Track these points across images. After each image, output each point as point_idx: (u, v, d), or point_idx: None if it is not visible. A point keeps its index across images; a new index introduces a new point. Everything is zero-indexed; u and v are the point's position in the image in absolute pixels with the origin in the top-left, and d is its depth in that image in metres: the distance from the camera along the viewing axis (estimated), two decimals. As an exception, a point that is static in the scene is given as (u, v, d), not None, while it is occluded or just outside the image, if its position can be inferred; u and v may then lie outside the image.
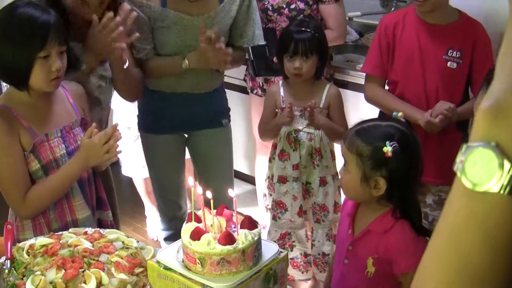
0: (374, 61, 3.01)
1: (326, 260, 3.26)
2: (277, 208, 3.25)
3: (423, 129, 2.77)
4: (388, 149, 1.94)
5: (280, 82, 3.20)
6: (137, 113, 3.25)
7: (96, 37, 2.44)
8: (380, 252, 1.98)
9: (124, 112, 3.91)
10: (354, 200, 2.11)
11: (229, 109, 3.27)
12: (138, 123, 3.25)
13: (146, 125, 3.19)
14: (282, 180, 3.21)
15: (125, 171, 4.28)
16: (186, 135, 3.22)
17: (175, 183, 3.27)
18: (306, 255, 3.33)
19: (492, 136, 0.61)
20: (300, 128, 3.13)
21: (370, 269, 2.00)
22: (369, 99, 3.06)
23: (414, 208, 2.01)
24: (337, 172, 3.26)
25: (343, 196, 2.85)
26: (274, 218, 3.28)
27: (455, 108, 2.75)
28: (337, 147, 3.33)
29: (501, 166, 0.59)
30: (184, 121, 3.09)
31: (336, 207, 3.23)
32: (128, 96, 2.88)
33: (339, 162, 3.33)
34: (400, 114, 2.20)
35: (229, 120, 3.25)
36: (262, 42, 3.13)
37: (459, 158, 0.62)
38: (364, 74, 3.14)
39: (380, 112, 3.05)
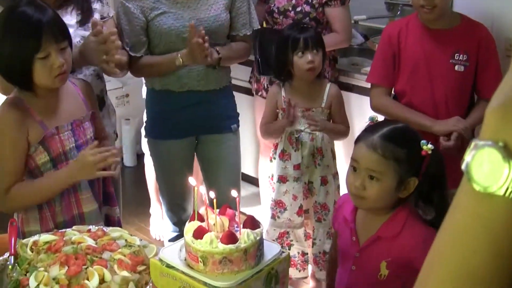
0: (379, 70, 3.01)
1: (327, 258, 3.27)
2: (277, 207, 3.29)
3: (432, 135, 2.76)
4: (429, 147, 1.92)
5: (280, 84, 3.23)
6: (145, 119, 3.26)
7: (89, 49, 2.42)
8: (394, 254, 1.95)
9: None
10: (376, 208, 2.00)
11: (238, 114, 3.26)
12: (146, 130, 3.24)
13: (154, 132, 3.17)
14: (282, 179, 3.24)
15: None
16: (196, 140, 3.21)
17: (184, 188, 3.20)
18: (303, 254, 3.35)
19: (500, 135, 0.60)
20: (302, 128, 3.15)
21: (383, 272, 1.98)
22: (375, 109, 3.03)
23: (446, 207, 1.97)
24: (337, 172, 3.28)
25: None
26: (273, 217, 3.32)
27: (469, 127, 2.77)
28: (337, 147, 3.36)
29: (508, 168, 0.59)
30: (192, 124, 3.08)
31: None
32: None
33: (339, 161, 3.38)
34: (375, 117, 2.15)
35: (238, 126, 3.24)
36: (257, 26, 3.16)
37: (467, 156, 0.61)
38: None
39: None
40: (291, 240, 3.33)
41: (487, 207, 0.60)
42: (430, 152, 1.92)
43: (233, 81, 3.78)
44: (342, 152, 3.67)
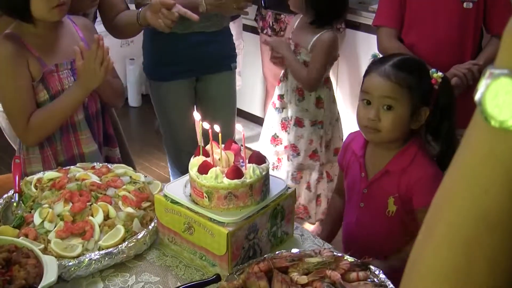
0: (386, 11, 2.92)
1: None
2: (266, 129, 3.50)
3: None
4: (439, 75, 1.90)
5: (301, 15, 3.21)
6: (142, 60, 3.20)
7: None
8: (401, 190, 1.95)
9: None
10: (389, 141, 1.97)
11: (236, 53, 3.23)
12: (146, 71, 3.19)
13: (156, 73, 3.12)
14: (273, 105, 3.39)
15: None
16: (195, 80, 3.17)
17: (189, 132, 3.11)
18: None
19: None
20: None
21: (391, 208, 1.98)
22: (383, 52, 2.88)
23: (453, 141, 1.96)
24: (321, 122, 3.26)
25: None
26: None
27: (475, 66, 2.69)
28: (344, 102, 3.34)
29: None
30: (194, 64, 3.04)
31: (314, 154, 3.28)
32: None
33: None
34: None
35: (236, 63, 3.23)
36: None
37: (480, 87, 0.55)
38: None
39: None
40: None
41: (501, 144, 0.55)
42: (439, 80, 1.91)
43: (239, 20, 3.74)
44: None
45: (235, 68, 3.20)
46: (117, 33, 2.78)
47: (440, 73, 1.91)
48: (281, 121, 3.33)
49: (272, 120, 3.38)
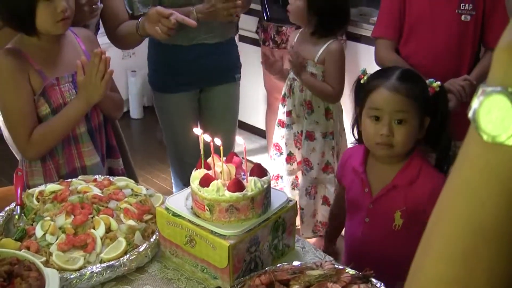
0: (384, 23, 2.91)
1: (301, 213, 3.37)
2: (273, 149, 3.34)
3: None
4: (437, 84, 1.92)
5: (301, 30, 3.20)
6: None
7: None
8: (409, 203, 1.95)
9: None
10: (402, 154, 1.96)
11: (240, 64, 3.24)
12: (151, 82, 3.19)
13: (160, 85, 3.12)
14: (281, 124, 3.31)
15: None
16: (199, 91, 3.17)
17: (193, 143, 3.12)
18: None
19: (510, 79, 0.55)
20: (296, 77, 3.17)
21: (397, 222, 1.97)
22: (380, 63, 2.93)
23: (449, 149, 1.97)
24: (332, 132, 3.26)
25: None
26: (271, 158, 3.43)
27: (467, 82, 2.69)
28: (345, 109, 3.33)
29: None
30: (199, 76, 3.05)
31: (327, 167, 3.26)
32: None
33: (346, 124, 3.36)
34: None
35: (240, 74, 3.23)
36: None
37: (474, 104, 0.56)
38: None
39: None
40: (284, 187, 3.38)
41: (497, 157, 0.56)
42: (437, 89, 1.93)
43: (240, 32, 3.74)
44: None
45: (239, 79, 3.21)
46: (119, 43, 2.79)
47: (438, 82, 1.93)
48: (294, 138, 3.31)
49: (284, 138, 3.32)
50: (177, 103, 3.10)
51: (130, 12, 2.78)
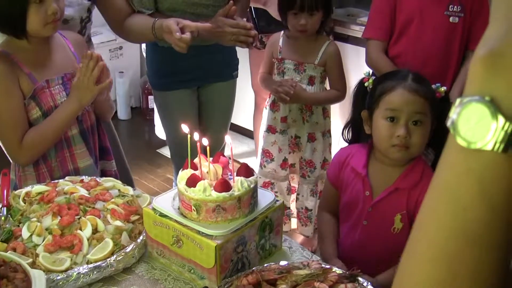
0: (375, 24, 2.92)
1: (309, 215, 3.36)
2: (264, 156, 3.31)
3: None
4: (444, 89, 1.94)
5: (282, 32, 3.17)
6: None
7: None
8: (410, 206, 1.94)
9: None
10: (415, 156, 1.96)
11: (238, 60, 3.23)
12: (150, 81, 3.20)
13: (159, 83, 3.12)
14: (271, 130, 3.26)
15: (160, 132, 4.17)
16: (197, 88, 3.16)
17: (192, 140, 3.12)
18: (285, 207, 3.36)
19: (487, 88, 0.56)
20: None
21: (397, 225, 1.97)
22: (370, 64, 2.95)
23: None
24: (329, 130, 3.26)
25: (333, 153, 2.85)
26: (260, 165, 3.36)
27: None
28: (333, 106, 3.34)
29: (496, 123, 0.55)
30: (197, 74, 3.04)
31: (325, 163, 3.27)
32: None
33: (333, 120, 3.36)
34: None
35: (238, 71, 3.22)
36: None
37: (452, 114, 0.58)
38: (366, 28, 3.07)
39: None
40: (276, 192, 3.34)
41: (477, 162, 0.58)
42: (443, 94, 1.96)
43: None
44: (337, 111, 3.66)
45: (237, 76, 3.20)
46: (129, 38, 2.79)
47: (444, 88, 1.96)
48: (289, 143, 3.29)
49: (275, 144, 3.28)
50: (175, 100, 3.10)
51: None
